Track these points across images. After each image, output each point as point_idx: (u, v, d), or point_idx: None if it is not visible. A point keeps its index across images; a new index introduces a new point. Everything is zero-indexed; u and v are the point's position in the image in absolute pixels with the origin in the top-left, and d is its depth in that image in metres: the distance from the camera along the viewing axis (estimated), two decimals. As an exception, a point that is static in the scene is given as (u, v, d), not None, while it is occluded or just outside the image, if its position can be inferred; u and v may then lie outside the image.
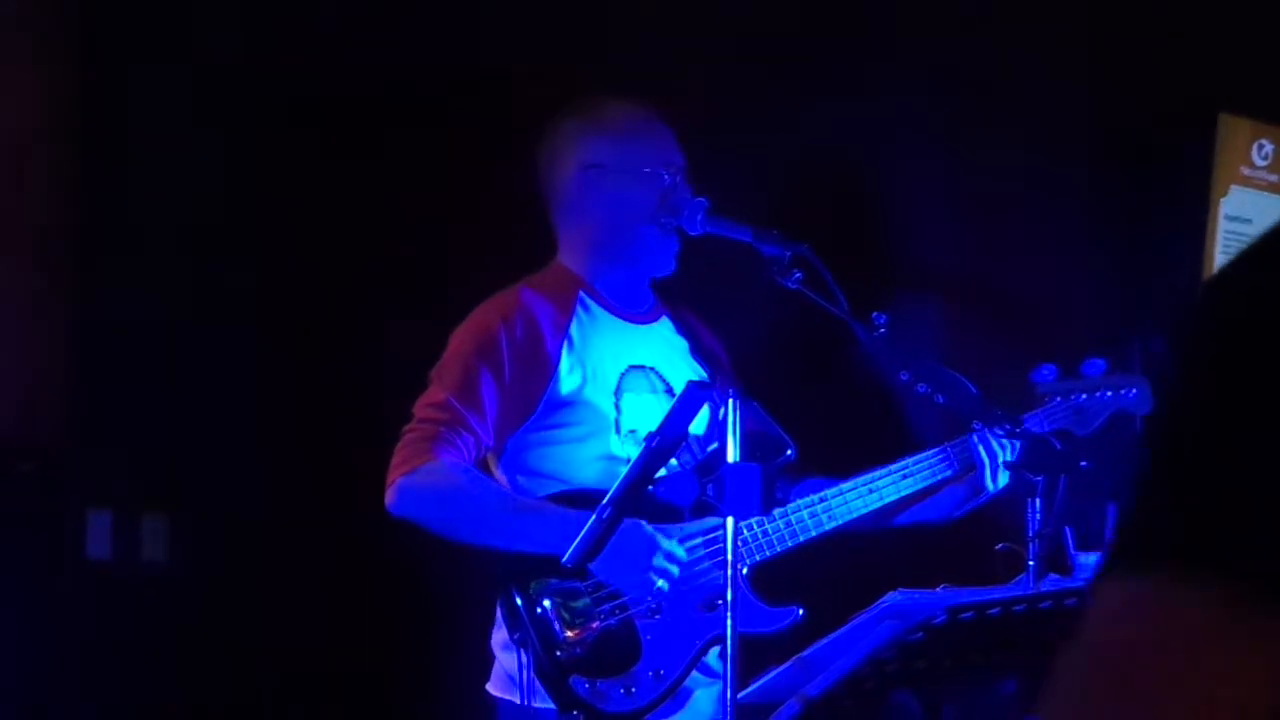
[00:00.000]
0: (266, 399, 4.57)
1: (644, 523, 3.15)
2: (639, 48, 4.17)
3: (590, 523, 2.99)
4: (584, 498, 3.20)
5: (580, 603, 3.18)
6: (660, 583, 3.16)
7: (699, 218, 3.30)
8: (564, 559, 3.05)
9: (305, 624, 4.49)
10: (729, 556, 2.90)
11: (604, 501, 2.98)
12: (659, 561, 3.16)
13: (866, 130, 4.03)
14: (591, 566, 3.16)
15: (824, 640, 2.95)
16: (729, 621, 2.87)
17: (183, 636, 4.45)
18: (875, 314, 3.14)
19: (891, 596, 2.85)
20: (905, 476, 3.33)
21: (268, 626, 4.49)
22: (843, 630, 2.93)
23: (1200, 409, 0.98)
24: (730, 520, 2.91)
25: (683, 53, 4.14)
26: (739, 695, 2.87)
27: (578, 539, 3.01)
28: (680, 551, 3.19)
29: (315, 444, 4.41)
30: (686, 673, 3.22)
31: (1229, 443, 0.96)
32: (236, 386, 4.56)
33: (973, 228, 3.96)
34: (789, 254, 3.15)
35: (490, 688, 3.32)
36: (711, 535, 3.25)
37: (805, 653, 2.99)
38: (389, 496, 3.23)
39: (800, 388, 3.72)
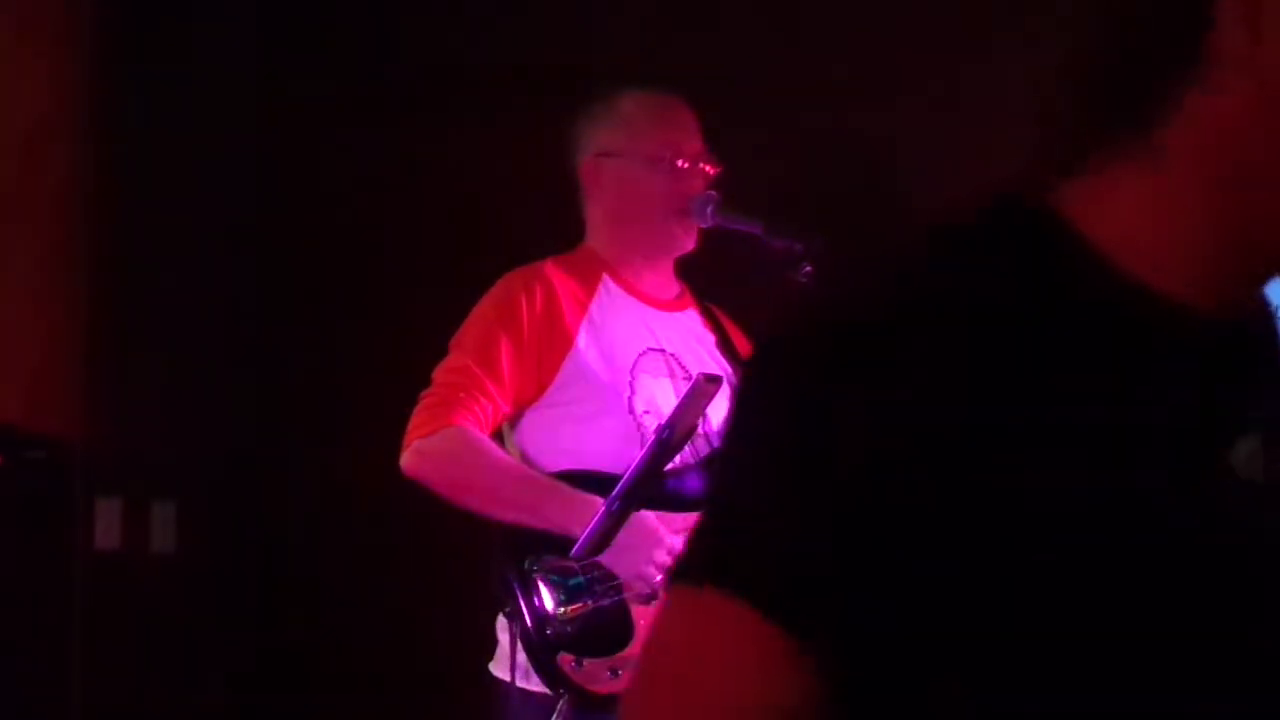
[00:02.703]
0: (276, 388, 4.57)
1: (651, 515, 3.15)
2: (653, 35, 4.18)
3: (599, 516, 3.00)
4: (592, 478, 3.22)
5: (574, 581, 3.19)
6: (660, 577, 3.17)
7: (708, 210, 3.30)
8: (571, 552, 3.07)
9: (314, 611, 4.49)
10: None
11: (613, 494, 2.99)
12: (663, 558, 3.16)
13: (880, 121, 4.03)
14: (602, 560, 3.17)
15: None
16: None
17: (191, 625, 4.45)
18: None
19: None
20: None
21: (276, 615, 4.50)
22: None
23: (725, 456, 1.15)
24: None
25: (699, 40, 4.15)
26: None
27: (586, 532, 3.02)
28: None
29: (326, 432, 4.41)
30: None
31: (744, 482, 1.11)
32: (246, 376, 4.57)
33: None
34: (800, 247, 3.15)
35: (492, 667, 3.33)
36: None
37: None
38: (404, 458, 3.26)
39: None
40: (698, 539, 1.13)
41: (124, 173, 4.49)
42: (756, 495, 1.08)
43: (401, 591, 4.36)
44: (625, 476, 3.03)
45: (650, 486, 2.99)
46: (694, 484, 3.00)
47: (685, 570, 1.13)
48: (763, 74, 4.07)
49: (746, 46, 4.13)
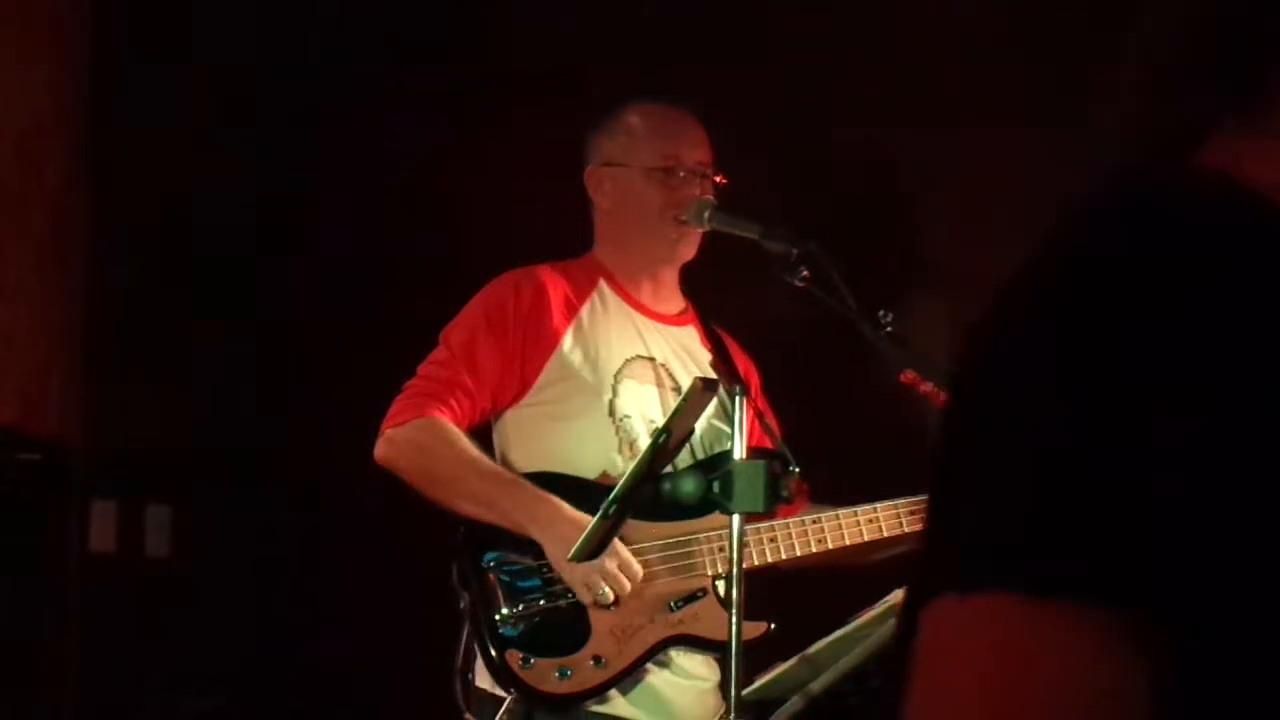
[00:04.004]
0: (271, 392, 4.58)
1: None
2: (647, 40, 4.18)
3: (595, 520, 3.01)
4: (560, 480, 3.26)
5: (529, 581, 3.23)
6: (605, 591, 3.18)
7: (705, 214, 3.32)
8: (569, 556, 3.08)
9: (308, 614, 4.49)
10: (734, 554, 2.91)
11: (609, 498, 3.00)
12: (611, 568, 3.17)
13: (875, 122, 4.04)
14: (549, 555, 3.19)
15: (828, 637, 2.97)
16: (732, 620, 2.88)
17: (185, 628, 4.45)
18: (882, 311, 3.14)
19: (896, 594, 2.86)
20: (913, 513, 3.31)
21: (269, 617, 4.50)
22: (847, 627, 2.94)
23: (965, 424, 1.01)
24: (736, 518, 2.92)
25: (692, 47, 4.15)
26: (744, 691, 2.89)
27: (583, 536, 3.02)
28: (635, 565, 3.21)
29: (320, 436, 4.42)
30: (633, 667, 3.23)
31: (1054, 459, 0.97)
32: (240, 379, 4.57)
33: (983, 222, 3.96)
34: (795, 251, 3.16)
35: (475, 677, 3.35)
36: (683, 539, 3.27)
37: (810, 649, 3.00)
38: (377, 445, 3.32)
39: (824, 407, 3.71)
40: (958, 544, 0.98)
41: (120, 174, 4.49)
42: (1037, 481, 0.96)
43: (396, 594, 4.36)
44: (622, 481, 3.04)
45: (646, 490, 3.00)
46: (688, 488, 3.00)
47: (965, 580, 0.97)
48: (762, 79, 4.08)
49: (747, 52, 4.13)
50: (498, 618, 3.19)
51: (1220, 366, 0.97)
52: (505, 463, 3.35)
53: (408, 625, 4.36)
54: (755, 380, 3.45)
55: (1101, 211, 1.06)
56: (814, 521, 3.27)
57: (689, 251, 3.41)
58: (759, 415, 3.23)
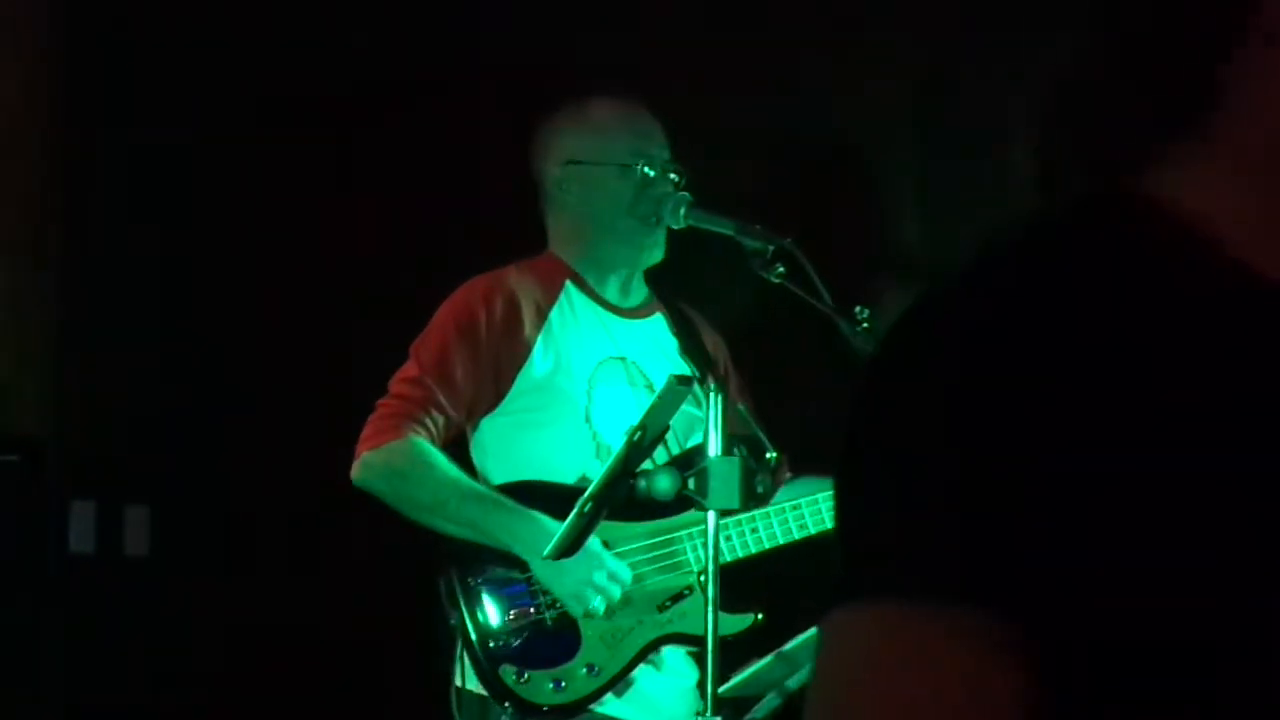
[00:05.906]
0: (251, 391, 4.56)
1: (595, 539, 3.16)
2: (621, 36, 4.17)
3: (571, 518, 3.00)
4: (539, 489, 3.26)
5: (517, 594, 3.22)
6: (596, 601, 3.18)
7: (681, 211, 3.31)
8: (544, 553, 3.07)
9: (288, 615, 4.48)
10: (711, 550, 2.92)
11: (585, 496, 2.99)
12: (600, 579, 3.18)
13: (850, 117, 4.03)
14: (536, 571, 3.19)
15: (804, 635, 2.97)
16: (709, 618, 2.88)
17: (165, 628, 4.44)
18: (858, 308, 3.14)
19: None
20: None
21: (249, 618, 4.48)
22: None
23: (851, 445, 1.06)
24: (712, 515, 2.92)
25: (665, 39, 4.14)
26: (719, 689, 2.89)
27: (558, 534, 3.02)
28: (625, 572, 3.21)
29: (301, 435, 4.40)
30: (626, 671, 3.24)
31: (867, 471, 1.03)
32: (221, 379, 4.55)
33: (964, 218, 3.96)
34: (771, 248, 3.15)
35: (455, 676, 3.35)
36: (666, 537, 3.27)
37: (785, 647, 3.00)
38: (354, 468, 3.31)
39: (797, 387, 3.71)
40: (850, 557, 1.02)
41: (95, 173, 4.47)
42: (902, 492, 1.00)
43: (377, 595, 4.36)
44: (597, 478, 3.03)
45: (621, 488, 2.99)
46: (663, 485, 2.99)
47: (850, 589, 1.01)
48: (731, 73, 4.07)
49: (713, 46, 4.13)
50: (489, 633, 3.19)
51: (1097, 412, 0.98)
52: (483, 472, 3.35)
53: (392, 625, 4.35)
54: (724, 355, 3.44)
55: (986, 262, 1.07)
56: (794, 508, 3.27)
57: (658, 254, 3.39)
58: (737, 395, 3.24)
